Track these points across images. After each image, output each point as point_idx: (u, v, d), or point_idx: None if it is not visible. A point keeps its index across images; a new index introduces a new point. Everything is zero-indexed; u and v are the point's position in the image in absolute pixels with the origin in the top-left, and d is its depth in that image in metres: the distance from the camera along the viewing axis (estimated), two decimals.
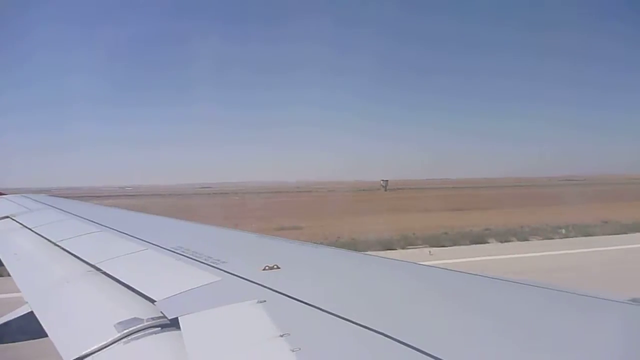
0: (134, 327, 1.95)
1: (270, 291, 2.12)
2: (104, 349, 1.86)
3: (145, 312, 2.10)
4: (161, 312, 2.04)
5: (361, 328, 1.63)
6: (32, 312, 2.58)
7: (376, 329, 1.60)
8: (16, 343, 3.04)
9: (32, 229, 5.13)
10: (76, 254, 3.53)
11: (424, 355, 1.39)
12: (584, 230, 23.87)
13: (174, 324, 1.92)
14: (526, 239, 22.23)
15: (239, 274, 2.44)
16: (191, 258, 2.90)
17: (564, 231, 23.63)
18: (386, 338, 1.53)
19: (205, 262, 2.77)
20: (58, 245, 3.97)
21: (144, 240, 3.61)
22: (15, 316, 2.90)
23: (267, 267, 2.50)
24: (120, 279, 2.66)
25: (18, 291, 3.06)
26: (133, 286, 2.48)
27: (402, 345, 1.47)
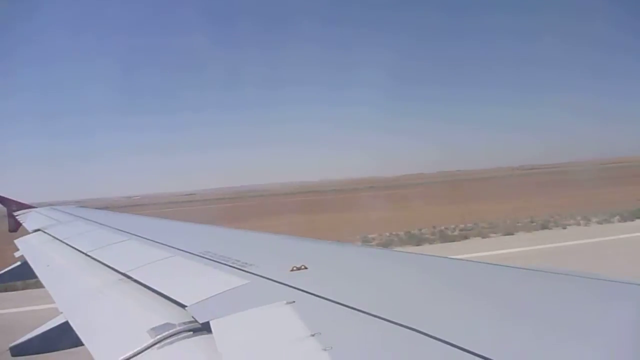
0: (167, 332, 1.97)
1: (299, 292, 2.12)
2: (139, 355, 1.88)
3: (176, 317, 2.12)
4: (192, 316, 2.06)
5: (392, 325, 1.62)
6: (67, 322, 2.64)
7: (407, 325, 1.58)
8: (53, 353, 3.10)
9: (63, 241, 5.25)
10: (107, 263, 3.59)
11: (457, 350, 1.38)
12: None
13: (205, 328, 1.93)
14: None
15: (267, 276, 2.45)
16: (219, 262, 2.92)
17: None
18: (418, 334, 1.52)
19: (233, 265, 2.78)
20: (89, 256, 4.04)
21: (172, 247, 3.65)
22: (51, 326, 2.96)
23: (294, 268, 2.51)
24: (151, 286, 2.69)
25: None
26: (164, 292, 2.51)
27: (434, 340, 1.45)
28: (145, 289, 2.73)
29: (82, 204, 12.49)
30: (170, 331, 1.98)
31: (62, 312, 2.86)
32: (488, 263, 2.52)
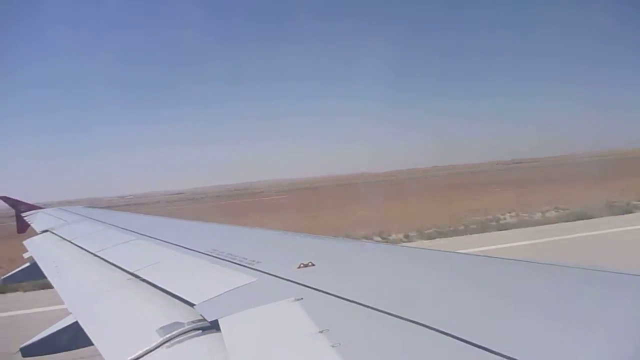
0: (176, 331, 1.98)
1: (307, 288, 2.12)
2: (148, 354, 1.89)
3: (185, 316, 2.13)
4: (201, 315, 2.07)
5: (400, 320, 1.62)
6: (76, 322, 2.65)
7: (415, 321, 1.58)
8: (63, 353, 3.12)
9: (71, 241, 5.28)
10: (115, 263, 3.60)
11: (466, 344, 1.37)
12: None
13: (214, 326, 1.94)
14: None
15: (274, 273, 2.45)
16: (226, 260, 2.93)
17: None
18: (426, 329, 1.51)
19: (241, 263, 2.79)
20: (97, 256, 4.06)
21: (179, 245, 3.66)
22: (61, 327, 2.98)
23: (302, 265, 2.51)
24: (159, 285, 2.70)
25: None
26: (172, 291, 2.52)
27: (443, 335, 1.45)
28: (153, 288, 2.74)
29: (73, 205, 12.54)
30: (179, 330, 1.99)
31: (71, 313, 2.87)
32: (494, 257, 2.51)
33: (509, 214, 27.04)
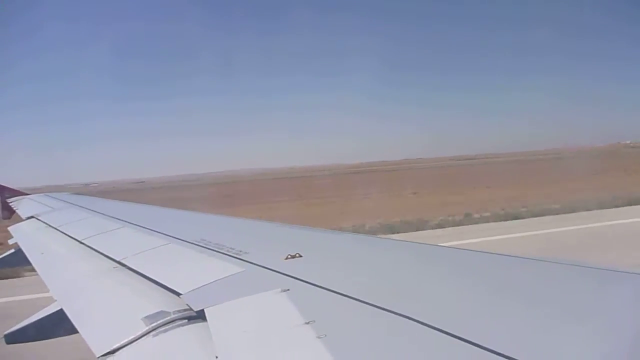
0: (162, 320, 1.98)
1: (294, 280, 2.12)
2: (133, 343, 1.89)
3: (171, 305, 2.13)
4: (187, 304, 2.06)
5: (386, 312, 1.62)
6: (61, 310, 2.64)
7: (401, 313, 1.59)
8: (48, 340, 3.10)
9: (57, 228, 5.23)
10: (101, 251, 3.58)
11: (451, 338, 1.38)
12: None
13: (200, 315, 1.94)
14: None
15: (261, 264, 2.45)
16: (214, 250, 2.92)
17: None
18: (412, 322, 1.52)
19: (228, 253, 2.78)
20: (83, 243, 4.04)
21: (167, 234, 3.65)
22: (46, 314, 2.96)
23: (289, 256, 2.51)
24: (146, 274, 2.69)
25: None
26: (158, 280, 2.51)
27: (429, 328, 1.46)
28: (139, 276, 2.73)
29: (40, 191, 12.37)
30: (165, 319, 1.98)
31: (56, 300, 2.85)
32: (484, 252, 2.53)
33: None
